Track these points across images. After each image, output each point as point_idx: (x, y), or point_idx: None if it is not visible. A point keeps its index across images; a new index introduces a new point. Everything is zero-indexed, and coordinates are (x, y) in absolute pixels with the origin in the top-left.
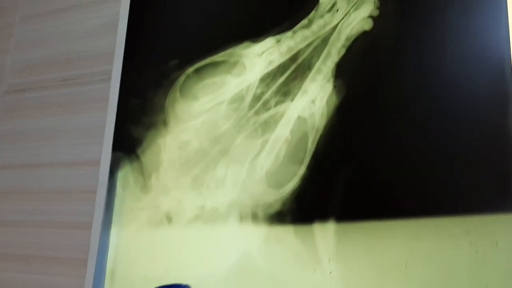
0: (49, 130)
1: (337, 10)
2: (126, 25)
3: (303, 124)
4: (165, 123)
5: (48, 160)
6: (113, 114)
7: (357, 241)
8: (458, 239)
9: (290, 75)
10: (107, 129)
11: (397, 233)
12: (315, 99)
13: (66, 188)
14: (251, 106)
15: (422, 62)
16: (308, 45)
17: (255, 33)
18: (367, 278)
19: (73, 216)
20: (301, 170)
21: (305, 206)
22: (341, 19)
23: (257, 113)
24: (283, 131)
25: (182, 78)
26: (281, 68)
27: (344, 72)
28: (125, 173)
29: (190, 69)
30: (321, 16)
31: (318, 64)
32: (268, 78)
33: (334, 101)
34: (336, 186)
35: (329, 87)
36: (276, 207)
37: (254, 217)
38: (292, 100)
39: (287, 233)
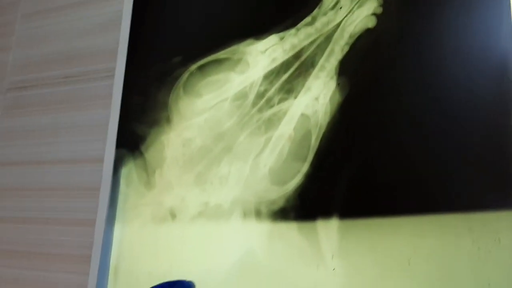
0: (51, 127)
1: (341, 8)
2: (129, 22)
3: (307, 122)
4: (168, 120)
5: (50, 157)
6: (116, 111)
7: (360, 238)
8: (461, 236)
9: (294, 72)
10: (111, 126)
11: (400, 230)
12: (318, 96)
13: (69, 185)
14: (254, 104)
15: (426, 60)
16: (312, 43)
17: (259, 31)
18: (370, 274)
19: (76, 213)
20: (305, 167)
21: (308, 203)
22: (345, 17)
23: (260, 110)
24: (286, 129)
25: (185, 75)
26: (285, 66)
27: (347, 69)
28: (129, 170)
29: (194, 66)
30: (325, 14)
31: (321, 61)
32: (272, 75)
33: (338, 98)
34: (340, 183)
35: (332, 84)
36: (280, 204)
37: (258, 214)
38: (295, 97)
39: (290, 229)
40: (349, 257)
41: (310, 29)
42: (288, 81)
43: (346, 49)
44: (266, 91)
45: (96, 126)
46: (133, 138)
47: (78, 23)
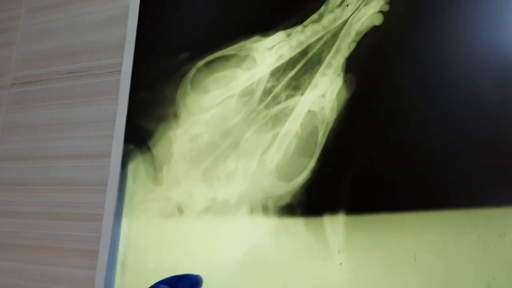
0: (56, 122)
1: (347, 5)
2: (136, 18)
3: (313, 118)
4: (176, 116)
5: (56, 153)
6: (124, 106)
7: (366, 233)
8: (467, 232)
9: (300, 69)
10: (118, 122)
11: (406, 225)
12: (325, 93)
13: (76, 180)
14: (261, 100)
15: (433, 58)
16: (319, 40)
17: (265, 27)
18: (376, 269)
19: (83, 208)
20: (311, 163)
21: (315, 198)
22: (351, 14)
23: (267, 107)
24: (293, 125)
25: (192, 71)
26: (291, 62)
27: (354, 66)
28: (136, 165)
29: (201, 63)
30: (332, 11)
31: (328, 58)
32: (278, 72)
33: (344, 95)
34: (346, 179)
35: (339, 81)
36: (286, 199)
37: (265, 209)
38: (302, 94)
39: (297, 225)
40: (356, 252)
41: (317, 26)
42: (295, 77)
43: (353, 46)
44: (273, 87)
45: (101, 122)
46: (140, 133)
47: (84, 18)
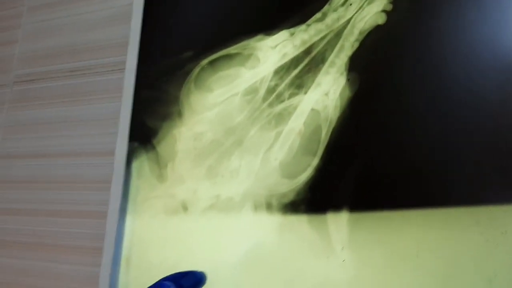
0: (58, 120)
1: (351, 4)
2: (140, 16)
3: (317, 116)
4: (180, 114)
5: (59, 150)
6: (128, 104)
7: (370, 230)
8: (469, 229)
9: (304, 68)
10: (122, 120)
11: (409, 223)
12: (328, 91)
13: (80, 178)
14: (265, 99)
15: (436, 57)
16: (322, 39)
17: (269, 26)
18: (379, 266)
19: (88, 205)
20: (315, 161)
21: (318, 196)
22: (355, 13)
23: (271, 105)
24: (296, 123)
25: (196, 69)
26: (295, 61)
27: (357, 65)
28: (141, 163)
29: (205, 61)
30: (335, 10)
31: (331, 57)
32: (282, 70)
33: (347, 94)
34: (349, 176)
35: (342, 80)
36: (290, 197)
37: (268, 207)
38: (305, 92)
39: (301, 222)
40: (359, 249)
41: (320, 25)
42: (298, 76)
43: (356, 45)
44: (276, 86)
45: (103, 120)
46: (145, 131)
47: (86, 16)
